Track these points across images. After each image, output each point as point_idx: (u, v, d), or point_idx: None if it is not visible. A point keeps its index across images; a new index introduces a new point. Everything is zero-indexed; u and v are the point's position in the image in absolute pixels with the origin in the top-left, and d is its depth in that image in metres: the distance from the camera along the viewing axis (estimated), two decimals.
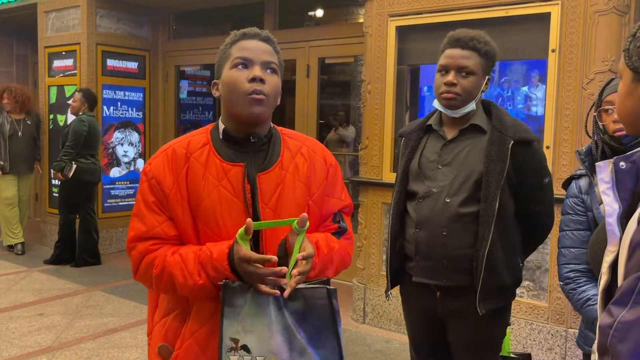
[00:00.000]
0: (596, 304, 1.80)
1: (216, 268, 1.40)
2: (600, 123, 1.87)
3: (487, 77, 2.08)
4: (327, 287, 1.40)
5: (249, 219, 1.36)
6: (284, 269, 1.37)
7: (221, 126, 1.54)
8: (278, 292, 1.37)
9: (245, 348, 1.35)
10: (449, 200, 2.04)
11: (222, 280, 1.39)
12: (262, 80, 1.47)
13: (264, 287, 1.36)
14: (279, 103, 1.57)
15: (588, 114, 1.97)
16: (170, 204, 1.48)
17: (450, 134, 2.12)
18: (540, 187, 2.07)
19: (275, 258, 1.36)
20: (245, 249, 1.36)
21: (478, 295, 1.99)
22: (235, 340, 1.36)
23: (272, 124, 1.60)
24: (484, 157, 2.01)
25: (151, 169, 1.51)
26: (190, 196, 1.48)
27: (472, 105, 2.05)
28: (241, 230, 1.36)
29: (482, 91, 2.07)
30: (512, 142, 1.99)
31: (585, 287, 1.88)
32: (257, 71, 1.47)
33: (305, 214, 1.39)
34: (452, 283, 2.06)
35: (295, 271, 1.37)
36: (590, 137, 1.94)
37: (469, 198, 2.03)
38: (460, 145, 2.09)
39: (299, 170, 1.54)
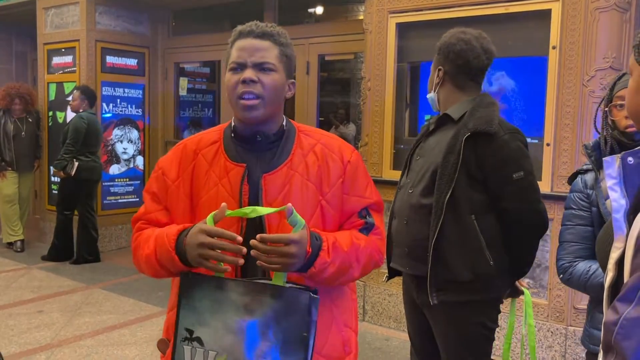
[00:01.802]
0: (596, 272, 1.79)
1: (162, 238, 1.42)
2: (610, 118, 1.83)
3: (437, 68, 2.16)
4: (311, 294, 1.32)
5: (223, 203, 1.36)
6: (238, 237, 1.32)
7: (232, 124, 1.57)
8: (228, 268, 1.34)
9: (198, 340, 1.35)
10: (411, 191, 2.11)
11: (167, 257, 1.40)
12: (253, 81, 1.45)
13: (209, 264, 1.32)
14: (289, 96, 1.55)
15: (597, 109, 1.92)
16: (170, 196, 1.54)
17: None
18: (509, 183, 1.97)
19: (239, 238, 1.32)
20: (207, 225, 1.35)
21: (428, 285, 2.01)
22: (190, 332, 1.36)
23: (285, 120, 1.58)
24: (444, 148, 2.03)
25: (162, 160, 1.60)
26: (192, 191, 1.52)
27: (430, 95, 2.20)
28: (211, 214, 1.36)
29: (436, 82, 2.16)
30: (468, 133, 1.96)
31: (581, 263, 1.84)
32: (247, 74, 1.46)
33: (289, 204, 1.33)
34: (413, 271, 2.11)
35: (259, 236, 1.31)
36: (599, 132, 1.89)
37: (427, 189, 2.04)
38: (435, 137, 2.13)
39: (309, 170, 1.50)
